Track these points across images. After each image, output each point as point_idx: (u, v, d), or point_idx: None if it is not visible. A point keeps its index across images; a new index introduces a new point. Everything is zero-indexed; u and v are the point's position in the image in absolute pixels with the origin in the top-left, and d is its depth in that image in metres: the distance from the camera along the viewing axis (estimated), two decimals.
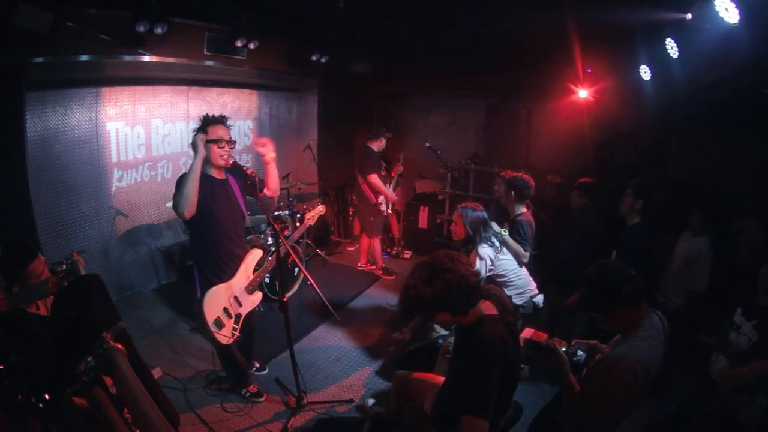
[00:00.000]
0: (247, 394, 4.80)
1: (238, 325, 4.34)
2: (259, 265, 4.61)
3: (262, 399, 4.80)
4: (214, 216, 4.14)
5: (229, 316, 4.29)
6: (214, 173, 4.22)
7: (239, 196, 4.38)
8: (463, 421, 2.55)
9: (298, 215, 7.25)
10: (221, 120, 4.21)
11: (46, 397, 1.91)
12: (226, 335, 4.23)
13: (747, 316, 3.60)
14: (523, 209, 5.31)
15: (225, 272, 4.31)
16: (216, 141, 4.10)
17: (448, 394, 2.89)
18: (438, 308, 2.77)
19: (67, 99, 5.78)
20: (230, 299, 4.30)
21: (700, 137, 6.81)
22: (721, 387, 3.46)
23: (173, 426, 2.59)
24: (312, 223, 5.17)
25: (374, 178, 7.53)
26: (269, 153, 4.44)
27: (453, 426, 2.62)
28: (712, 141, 6.63)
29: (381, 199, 7.79)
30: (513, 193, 5.26)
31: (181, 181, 4.00)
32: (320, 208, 5.19)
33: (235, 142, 4.30)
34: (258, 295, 4.60)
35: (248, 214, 4.56)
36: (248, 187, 4.36)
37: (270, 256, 4.67)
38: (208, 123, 4.13)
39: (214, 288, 4.20)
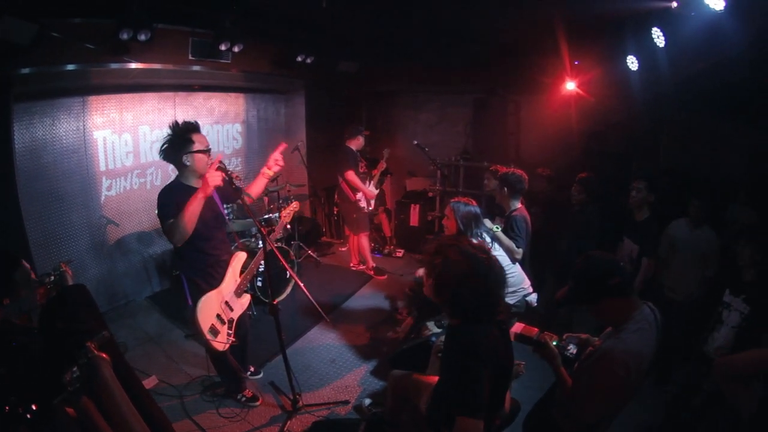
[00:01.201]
0: (243, 399, 4.79)
1: (231, 330, 4.32)
2: (244, 267, 4.60)
3: (257, 403, 4.79)
4: (198, 227, 4.01)
5: (223, 322, 4.27)
6: (194, 183, 4.11)
7: (219, 202, 4.32)
8: (457, 423, 2.53)
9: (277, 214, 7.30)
10: (199, 126, 4.15)
11: (34, 407, 1.90)
12: (221, 342, 4.21)
13: (735, 293, 3.81)
14: (518, 204, 5.25)
15: (215, 278, 4.29)
16: (206, 151, 4.07)
17: (442, 395, 2.87)
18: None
19: (54, 109, 5.76)
20: (222, 305, 4.28)
21: (691, 126, 6.81)
22: (716, 376, 3.46)
23: None
24: (288, 220, 5.10)
25: (350, 175, 7.57)
26: (274, 168, 4.45)
27: (449, 427, 2.61)
28: (702, 129, 6.62)
29: (359, 195, 7.81)
30: (506, 189, 5.20)
31: (166, 201, 3.95)
32: (294, 205, 5.16)
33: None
34: (246, 298, 4.60)
35: (229, 219, 4.52)
36: (230, 193, 4.34)
37: (254, 256, 4.63)
38: (192, 131, 4.04)
39: (206, 296, 4.17)
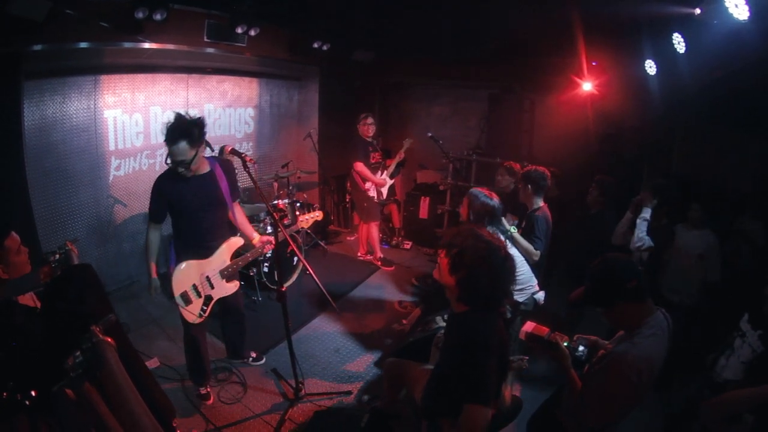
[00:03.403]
0: (196, 393, 4.67)
1: (207, 307, 4.28)
2: (239, 253, 4.51)
3: (208, 402, 4.64)
4: (188, 212, 4.09)
5: (199, 294, 4.24)
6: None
7: (224, 187, 4.23)
8: (466, 410, 2.51)
9: (298, 204, 7.37)
10: None
11: (33, 393, 1.85)
12: (191, 313, 4.19)
13: (753, 324, 3.51)
14: (541, 203, 5.14)
15: (202, 256, 4.28)
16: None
17: (443, 384, 2.82)
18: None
19: (65, 87, 5.73)
20: (201, 277, 4.24)
21: (706, 134, 6.72)
22: (703, 418, 3.37)
23: (164, 422, 2.53)
24: (305, 227, 5.07)
25: (359, 166, 7.60)
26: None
27: (453, 416, 2.57)
28: (717, 138, 6.54)
29: (368, 185, 7.80)
30: (530, 186, 5.08)
31: (154, 194, 4.06)
32: (317, 214, 5.04)
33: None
34: (235, 284, 4.51)
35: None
36: (233, 185, 4.33)
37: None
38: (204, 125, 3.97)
39: (188, 262, 4.18)
